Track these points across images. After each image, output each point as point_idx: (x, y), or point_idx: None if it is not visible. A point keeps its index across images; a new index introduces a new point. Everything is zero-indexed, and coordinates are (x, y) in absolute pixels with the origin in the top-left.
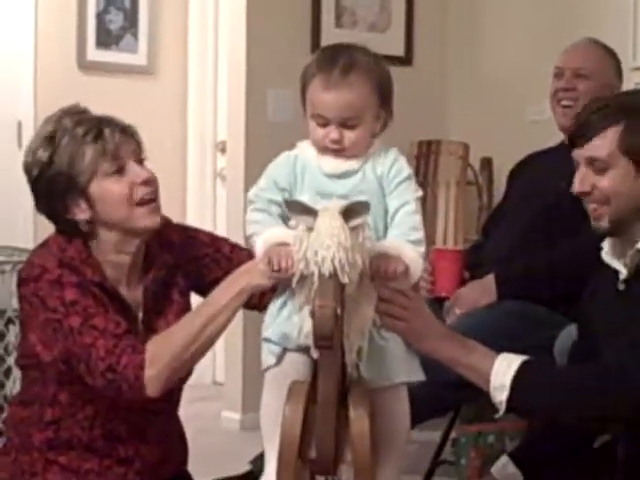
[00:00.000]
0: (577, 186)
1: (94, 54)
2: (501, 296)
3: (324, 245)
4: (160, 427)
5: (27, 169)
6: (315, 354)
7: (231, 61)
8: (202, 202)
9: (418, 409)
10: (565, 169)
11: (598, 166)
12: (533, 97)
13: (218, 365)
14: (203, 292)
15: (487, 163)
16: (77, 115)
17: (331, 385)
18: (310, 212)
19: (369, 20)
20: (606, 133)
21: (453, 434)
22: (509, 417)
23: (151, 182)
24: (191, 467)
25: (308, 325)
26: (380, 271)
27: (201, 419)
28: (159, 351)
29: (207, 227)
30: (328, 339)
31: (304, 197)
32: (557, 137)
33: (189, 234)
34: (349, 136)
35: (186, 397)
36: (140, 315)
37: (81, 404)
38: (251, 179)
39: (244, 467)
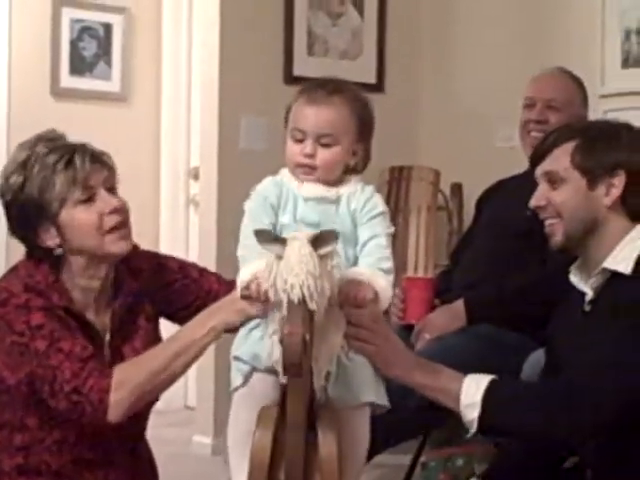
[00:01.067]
0: (533, 201)
1: (68, 81)
2: (470, 321)
3: (293, 272)
4: (128, 452)
5: (1, 193)
6: (284, 380)
7: (204, 88)
8: (175, 228)
9: (388, 433)
10: (530, 196)
11: (553, 179)
12: (502, 124)
13: (190, 389)
14: (173, 317)
15: (457, 188)
16: (51, 142)
17: (300, 410)
18: (279, 241)
19: (341, 48)
20: (562, 147)
21: (423, 458)
22: (478, 439)
23: (120, 210)
24: None
25: (277, 352)
26: (349, 297)
27: (172, 444)
28: (126, 377)
29: (180, 253)
30: (297, 366)
31: (284, 218)
32: (525, 164)
33: (158, 261)
34: (322, 154)
35: (157, 422)
36: (107, 339)
37: (49, 429)
38: (224, 205)
39: None
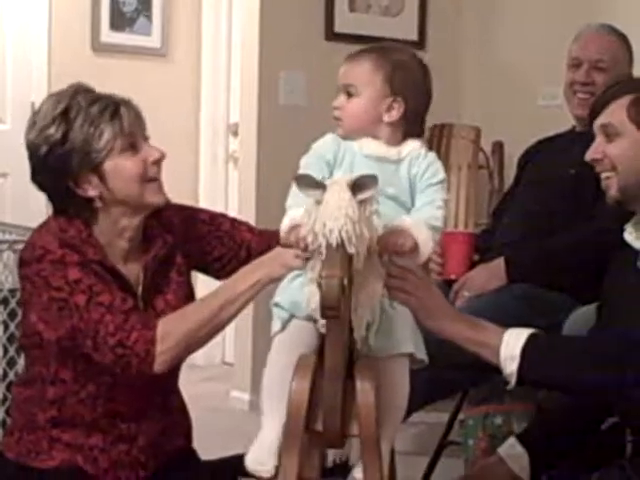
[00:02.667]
0: (589, 154)
1: (108, 36)
2: (511, 279)
3: (332, 217)
4: (161, 403)
5: (33, 146)
6: (322, 328)
7: (244, 44)
8: (214, 184)
9: (426, 390)
10: (576, 155)
11: (609, 132)
12: (546, 82)
13: (227, 345)
14: (207, 270)
15: (499, 147)
16: (89, 93)
17: (338, 358)
18: (319, 186)
19: (382, 4)
20: (618, 101)
21: (461, 415)
22: (517, 397)
23: (161, 161)
24: (199, 446)
25: (316, 298)
26: (388, 245)
27: (210, 399)
28: (171, 329)
29: (219, 209)
30: (335, 309)
31: (338, 173)
32: (568, 122)
33: (189, 214)
34: (347, 105)
35: (195, 377)
36: (139, 292)
37: (83, 382)
38: (263, 162)
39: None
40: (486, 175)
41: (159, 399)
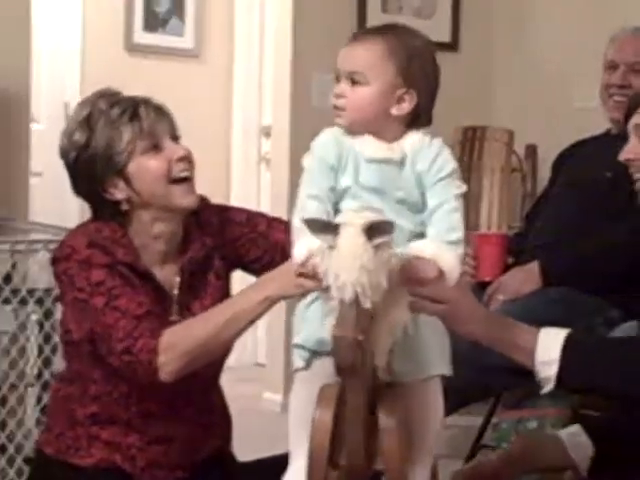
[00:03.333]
0: (623, 154)
1: (141, 37)
2: (546, 283)
3: (345, 268)
4: (196, 406)
5: (64, 153)
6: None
7: (277, 45)
8: (246, 186)
9: (460, 394)
10: (611, 158)
11: None
12: (580, 84)
13: (260, 346)
14: (246, 269)
15: (532, 150)
16: (112, 97)
17: (359, 399)
18: (331, 229)
19: (415, 5)
20: None
21: (494, 419)
22: (552, 401)
23: (187, 158)
24: (233, 447)
25: (326, 334)
26: (410, 280)
27: (242, 400)
28: (176, 340)
29: None
30: (350, 368)
31: (344, 180)
32: (603, 125)
33: (226, 215)
34: (350, 94)
35: (227, 378)
36: (175, 295)
37: (115, 382)
38: (296, 164)
39: (284, 448)
40: (519, 178)
41: (196, 399)
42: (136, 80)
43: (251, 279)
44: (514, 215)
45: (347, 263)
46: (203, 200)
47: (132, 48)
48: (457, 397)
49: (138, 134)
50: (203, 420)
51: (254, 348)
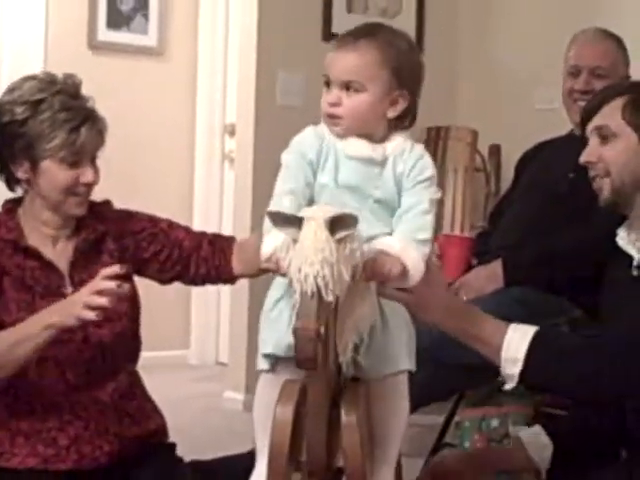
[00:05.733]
0: (583, 157)
1: (105, 35)
2: (508, 283)
3: (308, 260)
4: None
5: (0, 110)
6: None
7: (242, 43)
8: (210, 184)
9: (421, 392)
10: (574, 159)
11: (604, 134)
12: (543, 85)
13: (221, 345)
14: (148, 270)
15: (495, 150)
16: (69, 99)
17: (321, 396)
18: (294, 222)
19: (380, 5)
20: (611, 104)
21: (457, 418)
22: (514, 399)
23: (92, 185)
24: (193, 446)
25: (292, 339)
26: (374, 274)
27: (204, 399)
28: None
29: (214, 208)
30: (311, 361)
31: (323, 178)
32: (565, 126)
33: (126, 212)
34: (347, 102)
35: (189, 377)
36: (67, 272)
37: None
38: (260, 162)
39: (247, 447)
40: (483, 178)
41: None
42: (100, 78)
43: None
44: (477, 215)
45: (309, 256)
46: (106, 202)
47: (96, 46)
48: (419, 395)
49: (67, 147)
50: (118, 406)
51: (216, 347)
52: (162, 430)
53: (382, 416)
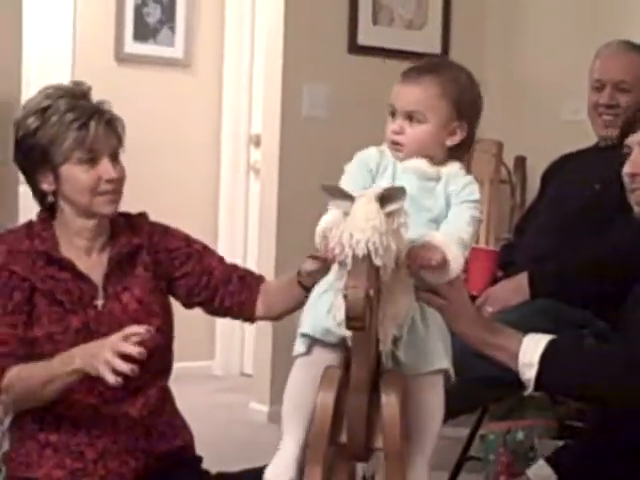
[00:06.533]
0: (628, 167)
1: (131, 47)
2: (534, 295)
3: (358, 228)
4: (134, 407)
5: (16, 126)
6: (349, 341)
7: (268, 55)
8: (235, 195)
9: (448, 404)
10: (600, 171)
11: None
12: (569, 96)
13: (246, 356)
14: (176, 290)
15: (521, 162)
16: (74, 99)
17: (364, 371)
18: (348, 197)
19: (406, 18)
20: None
21: (481, 431)
22: (539, 413)
23: (117, 181)
24: (218, 457)
25: (342, 311)
26: (417, 259)
27: (228, 410)
28: (10, 385)
29: (239, 219)
30: (360, 319)
31: (381, 182)
32: (591, 138)
33: (162, 226)
34: (410, 131)
35: (214, 388)
36: (100, 284)
37: None
38: (285, 173)
39: (271, 458)
40: (508, 190)
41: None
42: (126, 90)
43: None
44: (503, 227)
45: (360, 225)
46: (142, 214)
47: (123, 58)
48: (445, 408)
49: (79, 145)
50: (147, 422)
51: (240, 358)
52: (190, 446)
53: (418, 411)
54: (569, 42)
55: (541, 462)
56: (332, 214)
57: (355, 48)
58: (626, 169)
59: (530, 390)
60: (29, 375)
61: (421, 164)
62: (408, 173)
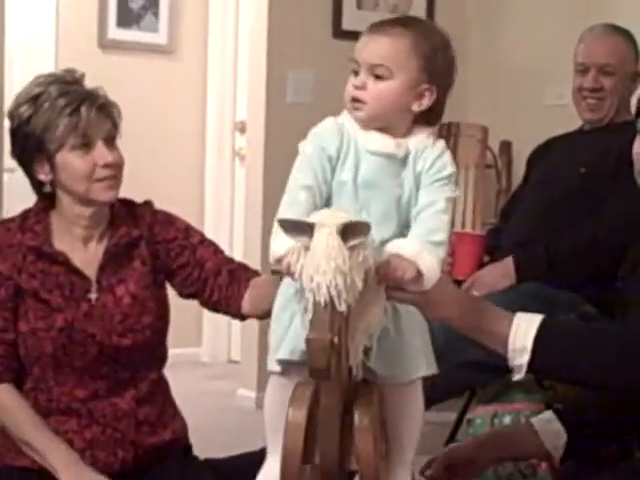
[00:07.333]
0: (638, 147)
1: (115, 33)
2: (520, 279)
3: (320, 270)
4: (127, 396)
5: (10, 116)
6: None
7: (252, 41)
8: (220, 181)
9: (434, 389)
10: (585, 154)
11: None
12: (553, 81)
13: (234, 343)
14: (173, 280)
15: (506, 146)
16: (66, 85)
17: (333, 402)
18: (306, 228)
19: (391, 2)
20: None
21: (469, 415)
22: (526, 396)
23: (113, 166)
24: (206, 444)
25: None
26: (387, 278)
27: (216, 397)
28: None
29: (225, 206)
30: (324, 371)
31: (343, 174)
32: (576, 122)
33: (166, 216)
34: (373, 87)
35: (201, 375)
36: (94, 277)
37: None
38: (270, 159)
39: (260, 444)
40: (494, 174)
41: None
42: (110, 76)
43: None
44: (489, 211)
45: (321, 265)
46: (147, 203)
47: (106, 44)
48: (430, 393)
49: (72, 130)
50: (136, 414)
51: (228, 345)
52: (181, 436)
53: (397, 419)
54: (552, 26)
55: (549, 415)
56: (287, 243)
57: (340, 33)
58: (636, 148)
59: (520, 376)
60: (18, 420)
61: (386, 143)
62: (374, 157)
